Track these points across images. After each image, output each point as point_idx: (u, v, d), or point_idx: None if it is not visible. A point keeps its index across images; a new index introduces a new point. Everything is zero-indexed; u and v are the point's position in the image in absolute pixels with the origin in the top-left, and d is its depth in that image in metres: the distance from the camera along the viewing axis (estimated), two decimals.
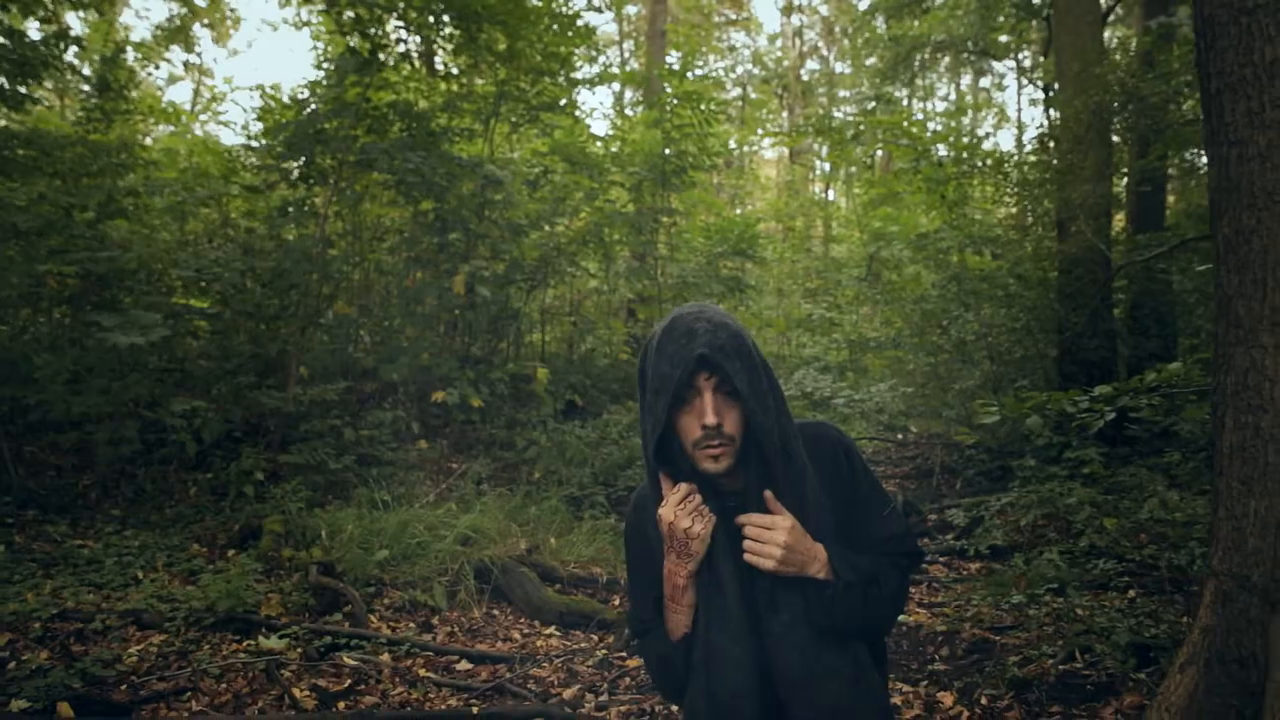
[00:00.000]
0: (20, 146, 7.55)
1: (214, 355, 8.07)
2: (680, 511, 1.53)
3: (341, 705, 3.99)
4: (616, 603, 5.50)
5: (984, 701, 3.64)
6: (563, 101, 10.45)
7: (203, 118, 22.09)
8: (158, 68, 18.92)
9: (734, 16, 32.39)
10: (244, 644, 4.52)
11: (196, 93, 25.11)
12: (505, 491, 7.35)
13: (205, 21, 18.00)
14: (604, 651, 4.74)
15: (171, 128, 14.06)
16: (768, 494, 1.53)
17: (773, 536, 1.49)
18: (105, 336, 5.72)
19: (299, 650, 4.48)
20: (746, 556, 1.51)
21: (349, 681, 4.23)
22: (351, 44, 8.64)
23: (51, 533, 5.84)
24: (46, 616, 4.51)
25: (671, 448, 1.58)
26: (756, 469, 1.54)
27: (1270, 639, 2.38)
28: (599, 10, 10.17)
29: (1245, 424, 2.50)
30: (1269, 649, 2.37)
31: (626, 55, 27.59)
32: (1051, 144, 9.67)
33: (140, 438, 6.69)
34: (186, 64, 21.30)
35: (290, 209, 8.66)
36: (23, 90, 7.65)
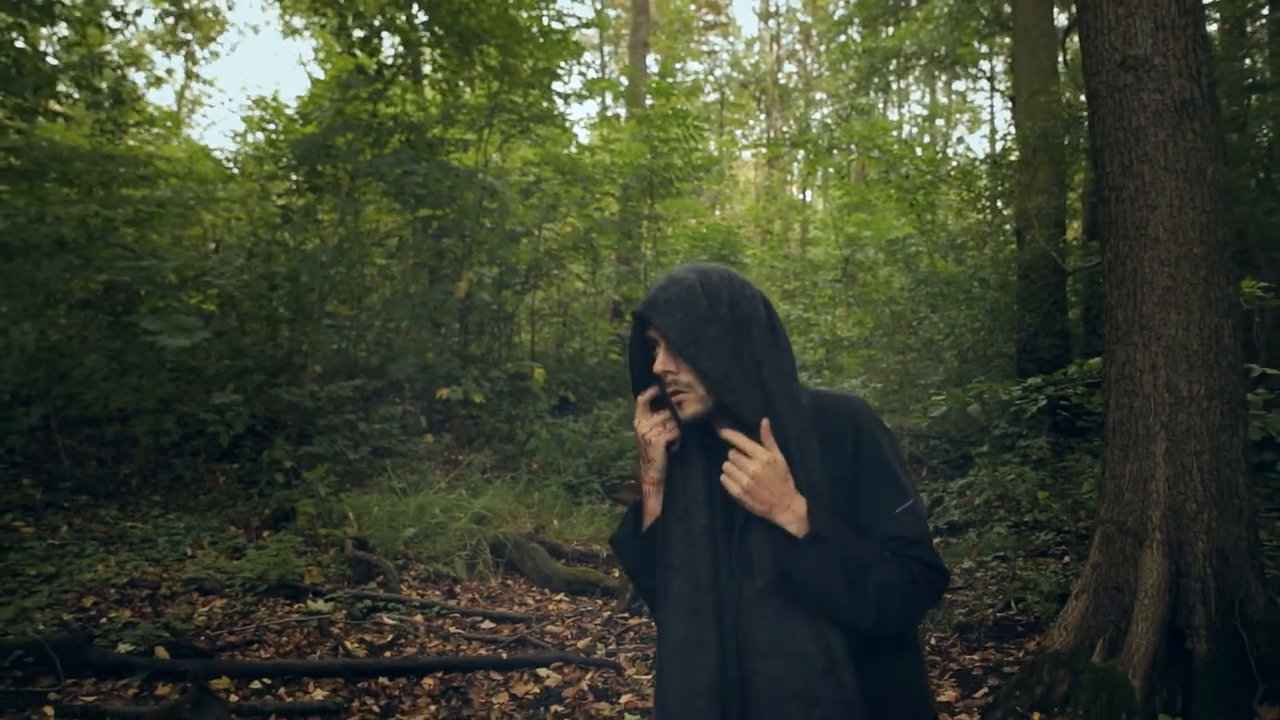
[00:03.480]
0: (55, 162, 8.09)
1: (225, 355, 8.63)
2: (645, 419, 1.60)
3: (388, 655, 4.65)
4: (616, 574, 6.17)
5: (932, 641, 4.36)
6: (554, 112, 11.09)
7: (194, 119, 22.54)
8: (158, 82, 19.35)
9: (713, 20, 33.08)
10: (295, 606, 5.16)
11: (181, 96, 25.47)
12: (509, 479, 8.01)
13: (197, 34, 18.44)
14: (609, 613, 5.43)
15: (160, 131, 14.53)
16: (765, 423, 1.49)
17: (747, 463, 1.46)
18: (154, 339, 6.32)
19: (344, 612, 5.13)
20: (723, 478, 1.49)
21: (390, 637, 4.89)
22: (352, 57, 9.28)
23: (104, 515, 6.43)
24: (120, 583, 5.14)
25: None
26: (734, 417, 1.52)
27: (1139, 570, 3.10)
28: (587, 28, 10.80)
29: (1123, 405, 3.22)
30: (1137, 578, 3.09)
31: (606, 58, 28.27)
32: (1012, 157, 10.41)
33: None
34: (187, 71, 21.70)
35: (293, 216, 9.27)
36: (45, 104, 8.22)
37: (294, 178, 9.48)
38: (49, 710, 3.59)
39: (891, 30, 17.80)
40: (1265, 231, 6.81)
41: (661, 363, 1.52)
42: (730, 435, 1.49)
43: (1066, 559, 5.52)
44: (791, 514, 1.46)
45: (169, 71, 27.08)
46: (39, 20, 8.48)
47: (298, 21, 19.54)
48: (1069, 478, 7.03)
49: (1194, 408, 3.05)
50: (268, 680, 4.14)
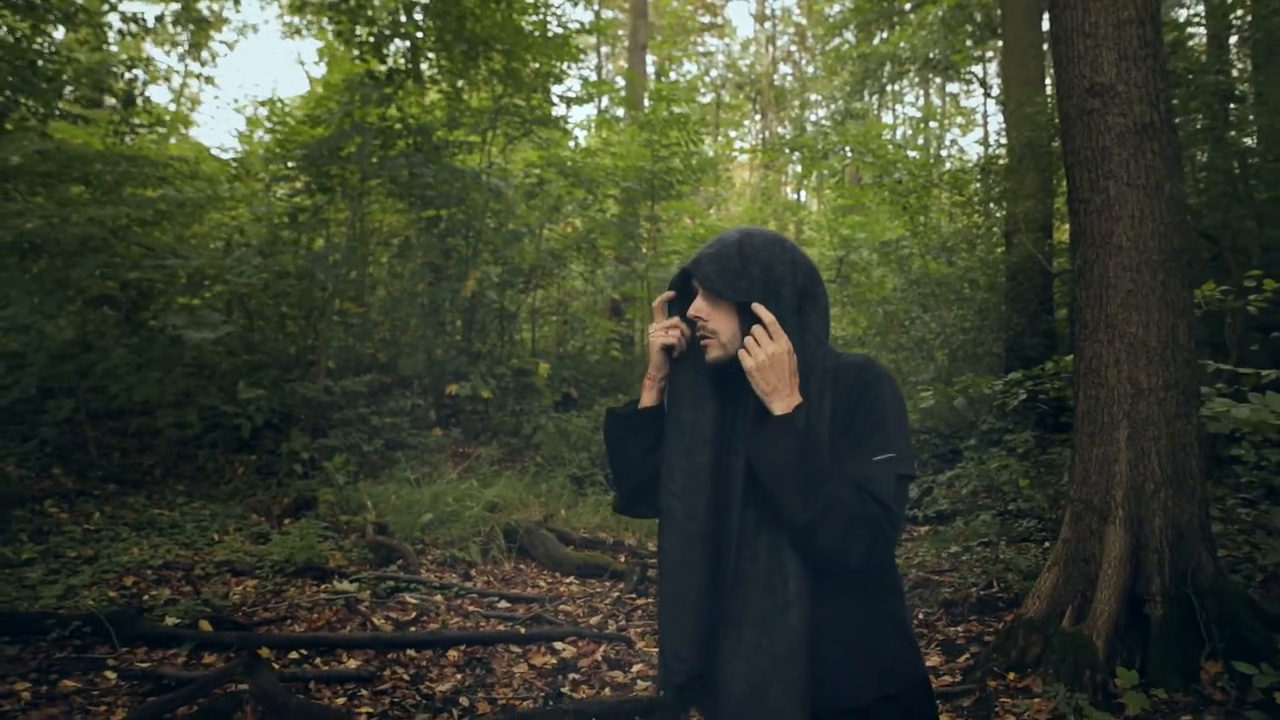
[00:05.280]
0: (77, 163, 8.38)
1: (240, 350, 8.92)
2: (658, 322, 1.78)
3: (413, 630, 4.98)
4: (623, 559, 6.51)
5: (920, 616, 4.70)
6: (555, 113, 11.40)
7: (191, 117, 22.75)
8: (162, 80, 19.60)
9: (708, 21, 33.34)
10: (322, 586, 5.48)
11: (180, 95, 25.65)
12: (517, 471, 8.34)
13: (203, 37, 18.66)
14: (617, 594, 5.76)
15: (163, 130, 14.76)
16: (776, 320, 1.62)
17: (769, 343, 1.57)
18: (180, 333, 6.64)
19: (368, 591, 5.45)
20: (740, 352, 1.60)
21: (414, 614, 5.21)
22: (362, 62, 9.59)
23: (132, 503, 6.75)
24: (156, 565, 5.46)
25: None
26: None
27: (1103, 544, 3.45)
28: (588, 32, 11.13)
29: (1091, 396, 3.57)
30: (1102, 551, 3.44)
31: (603, 60, 28.56)
32: (1001, 163, 10.76)
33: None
34: (187, 70, 21.94)
35: (300, 216, 9.58)
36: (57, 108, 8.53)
37: (302, 179, 9.77)
38: (110, 674, 3.91)
39: (886, 35, 18.13)
40: (1238, 237, 7.17)
41: (695, 308, 1.69)
42: (761, 310, 1.61)
43: (1046, 544, 5.86)
44: (785, 404, 1.56)
45: (170, 70, 27.32)
46: (64, 25, 8.79)
47: (298, 21, 19.84)
48: (1051, 469, 7.38)
49: (1152, 398, 3.40)
50: (304, 651, 4.46)
